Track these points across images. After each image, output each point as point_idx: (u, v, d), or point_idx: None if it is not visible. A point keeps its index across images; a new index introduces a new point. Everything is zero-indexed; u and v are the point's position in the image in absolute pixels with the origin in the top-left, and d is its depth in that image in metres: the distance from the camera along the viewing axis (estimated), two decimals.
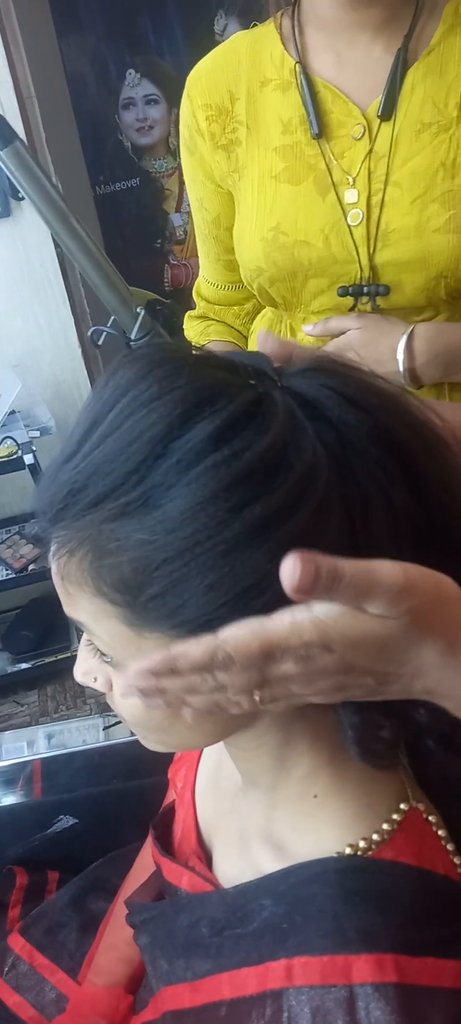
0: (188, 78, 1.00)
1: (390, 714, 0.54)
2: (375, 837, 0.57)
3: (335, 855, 0.57)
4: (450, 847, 0.60)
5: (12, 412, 2.04)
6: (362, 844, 0.57)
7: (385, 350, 0.93)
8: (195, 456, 0.46)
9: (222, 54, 0.99)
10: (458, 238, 0.87)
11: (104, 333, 1.13)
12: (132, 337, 1.01)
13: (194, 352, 0.55)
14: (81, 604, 0.52)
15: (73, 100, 3.15)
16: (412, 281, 0.91)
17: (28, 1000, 0.86)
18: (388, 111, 0.89)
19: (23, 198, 2.24)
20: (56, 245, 2.32)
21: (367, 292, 0.93)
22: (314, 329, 0.97)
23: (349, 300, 0.94)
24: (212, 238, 1.08)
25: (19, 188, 0.92)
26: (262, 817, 0.64)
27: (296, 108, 0.93)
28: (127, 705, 0.55)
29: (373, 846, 0.57)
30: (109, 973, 0.85)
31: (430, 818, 0.60)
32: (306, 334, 1.00)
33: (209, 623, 0.47)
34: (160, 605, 0.48)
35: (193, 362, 0.51)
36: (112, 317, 1.14)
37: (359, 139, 0.91)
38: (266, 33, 0.97)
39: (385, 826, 0.58)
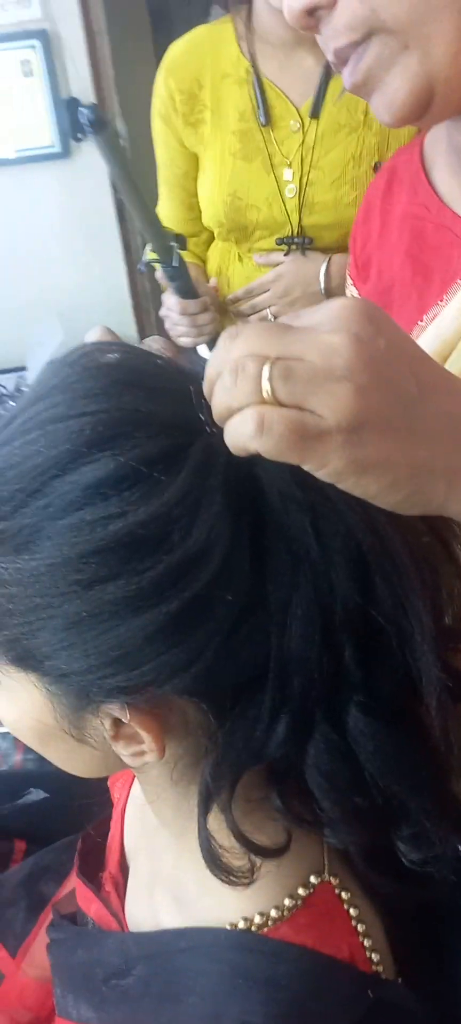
0: (163, 63, 1.30)
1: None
2: (273, 913, 0.54)
3: (228, 926, 0.54)
4: (361, 927, 0.55)
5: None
6: (258, 919, 0.54)
7: (311, 273, 1.30)
8: (64, 507, 0.43)
9: (190, 45, 1.29)
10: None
11: (148, 263, 1.32)
12: (174, 265, 1.19)
13: (157, 361, 0.50)
14: None
15: (153, 35, 3.07)
16: (329, 236, 1.30)
17: None
18: (316, 111, 1.23)
19: (83, 139, 2.20)
20: (114, 192, 2.28)
21: (297, 243, 1.31)
22: (261, 259, 1.34)
23: (284, 248, 1.33)
24: (178, 186, 1.41)
25: (111, 174, 1.03)
26: (170, 861, 0.62)
27: (249, 101, 1.25)
28: (6, 717, 0.54)
29: (269, 922, 0.54)
30: (41, 966, 0.85)
31: (342, 894, 0.56)
32: (256, 263, 1.36)
33: (64, 677, 0.45)
34: (9, 650, 0.47)
35: (128, 380, 0.46)
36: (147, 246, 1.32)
37: (295, 131, 1.25)
38: (224, 32, 1.26)
39: (287, 900, 0.54)
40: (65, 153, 2.21)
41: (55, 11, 2.07)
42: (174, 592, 0.42)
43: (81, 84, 2.16)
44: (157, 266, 1.29)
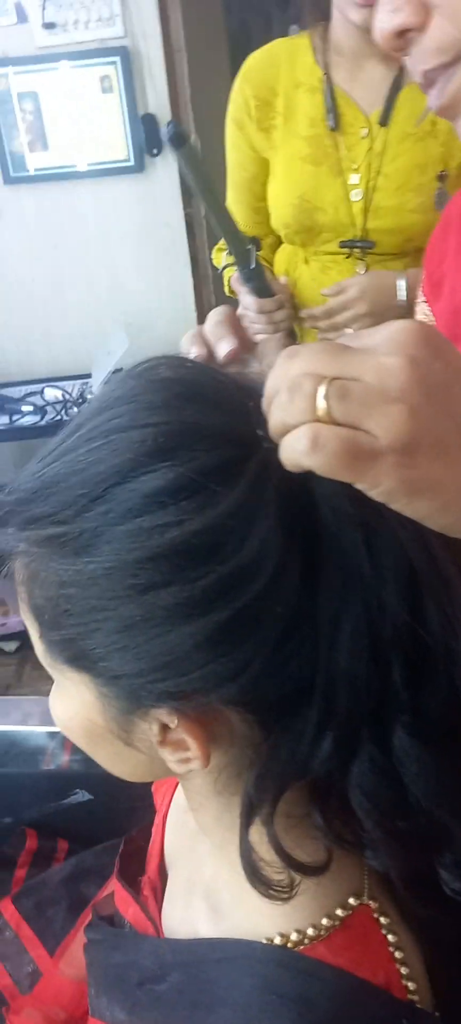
0: (240, 71, 1.37)
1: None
2: (310, 931, 0.53)
3: (264, 941, 0.53)
4: (399, 954, 0.53)
5: (118, 370, 2.07)
6: (294, 936, 0.53)
7: (391, 288, 1.29)
8: (124, 513, 0.44)
9: (267, 56, 1.36)
10: (424, 216, 1.26)
11: (226, 266, 1.41)
12: (252, 267, 1.20)
13: (217, 376, 0.51)
14: (22, 608, 0.51)
15: (230, 55, 3.11)
16: (390, 241, 1.33)
17: (6, 968, 0.88)
18: (384, 120, 1.27)
19: (157, 154, 2.24)
20: (185, 206, 2.31)
21: (360, 245, 1.34)
22: (328, 291, 1.34)
23: (346, 251, 1.35)
24: (247, 190, 1.44)
25: (191, 185, 1.05)
26: (209, 870, 0.61)
27: (320, 108, 1.30)
28: (59, 715, 0.55)
29: (306, 940, 0.53)
30: (79, 967, 0.85)
31: (381, 919, 0.54)
32: (323, 295, 1.37)
33: (116, 680, 0.46)
34: (65, 649, 0.48)
35: (190, 394, 0.47)
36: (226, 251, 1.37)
37: (364, 138, 1.29)
38: (302, 44, 1.33)
39: (325, 920, 0.53)
40: (139, 168, 2.25)
41: (137, 29, 2.12)
42: (224, 602, 0.43)
43: (158, 101, 2.20)
44: (232, 270, 1.35)
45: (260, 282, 1.24)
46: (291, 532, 0.44)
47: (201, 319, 2.44)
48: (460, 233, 0.75)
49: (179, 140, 0.95)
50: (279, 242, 1.50)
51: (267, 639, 0.44)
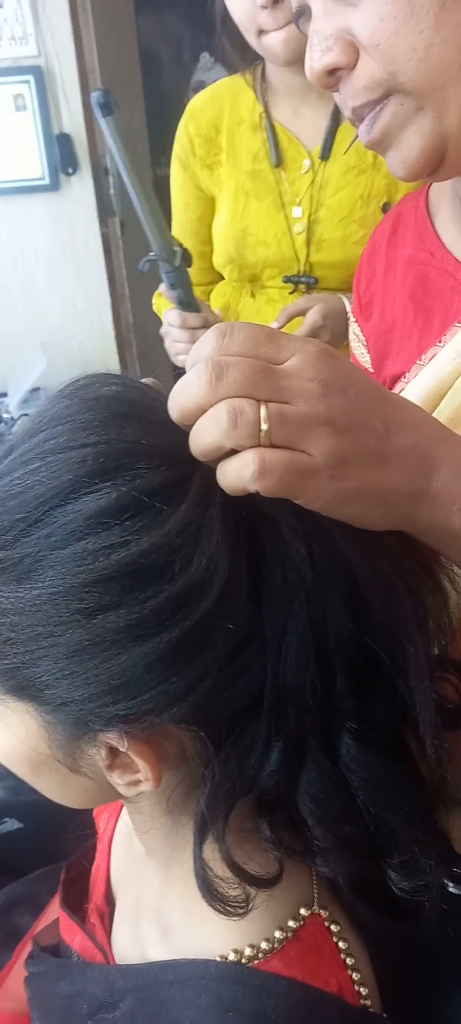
0: (185, 112, 1.39)
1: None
2: (264, 945, 0.54)
3: (217, 959, 0.54)
4: (350, 961, 0.55)
5: (35, 389, 2.04)
6: (248, 951, 0.53)
7: (343, 313, 1.26)
8: (66, 536, 0.43)
9: (211, 95, 1.38)
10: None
11: (148, 263, 1.29)
12: (176, 264, 1.18)
13: (153, 394, 0.50)
14: None
15: (143, 77, 3.13)
16: (336, 276, 1.32)
17: None
18: (326, 154, 1.28)
19: (73, 173, 2.23)
20: (101, 226, 2.31)
21: (303, 281, 1.34)
22: (277, 323, 1.27)
23: (290, 286, 1.36)
24: (193, 233, 1.44)
25: (116, 159, 1.02)
26: (157, 892, 0.61)
27: (262, 144, 1.32)
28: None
29: (260, 954, 0.53)
30: (17, 1000, 0.83)
31: (332, 927, 0.56)
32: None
33: (63, 706, 0.45)
34: (8, 678, 0.46)
35: (127, 412, 0.47)
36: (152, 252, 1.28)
37: (306, 172, 1.30)
38: (242, 84, 1.34)
39: (278, 933, 0.54)
40: (54, 186, 2.23)
41: (50, 49, 2.10)
42: (175, 621, 0.43)
43: (73, 120, 2.19)
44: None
45: (185, 291, 1.21)
46: (236, 548, 0.45)
47: (118, 338, 2.45)
48: (387, 256, 0.79)
49: (108, 108, 0.95)
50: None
51: (218, 656, 0.44)
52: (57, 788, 0.53)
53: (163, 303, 1.48)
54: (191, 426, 0.44)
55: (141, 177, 1.02)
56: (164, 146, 3.02)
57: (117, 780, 0.49)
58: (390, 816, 0.48)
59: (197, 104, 1.39)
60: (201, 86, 3.20)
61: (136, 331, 2.52)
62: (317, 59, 0.57)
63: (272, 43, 1.14)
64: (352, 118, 0.60)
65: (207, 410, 0.42)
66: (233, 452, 0.42)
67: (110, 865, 0.73)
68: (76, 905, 0.71)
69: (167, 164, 1.50)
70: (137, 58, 3.13)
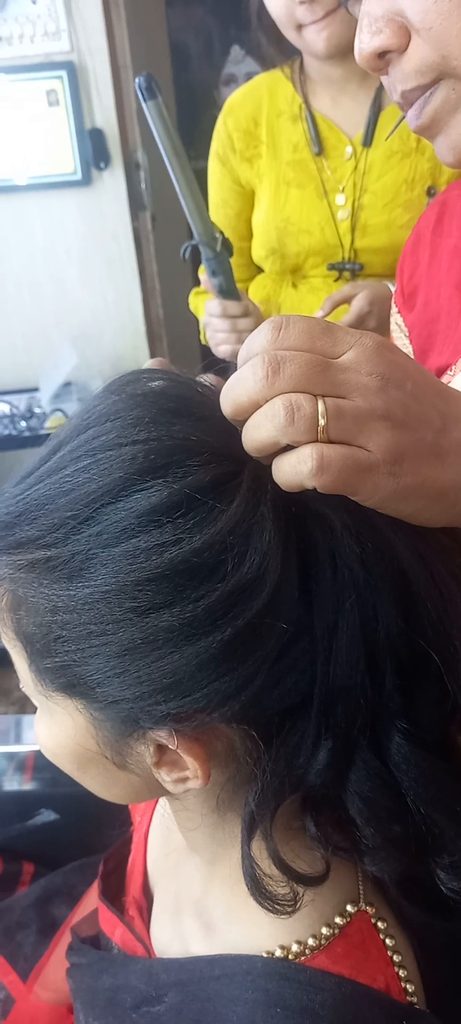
0: (223, 109, 1.39)
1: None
2: (311, 942, 0.53)
3: (264, 954, 0.53)
4: (397, 958, 0.54)
5: (67, 384, 2.05)
6: (295, 948, 0.53)
7: (388, 299, 1.18)
8: (118, 534, 0.43)
9: (248, 91, 1.38)
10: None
11: (189, 247, 1.28)
12: (217, 250, 1.16)
13: (200, 389, 0.50)
14: (5, 634, 0.50)
15: (173, 71, 3.13)
16: (381, 261, 1.32)
17: None
18: (368, 140, 1.27)
19: (104, 168, 2.24)
20: (132, 220, 2.31)
21: (349, 267, 1.33)
22: (323, 311, 1.27)
23: (335, 273, 1.35)
24: (230, 229, 1.40)
25: (159, 143, 1.01)
26: (199, 887, 0.61)
27: (302, 134, 1.32)
28: (45, 743, 0.53)
29: (307, 951, 0.53)
30: (55, 990, 0.84)
31: (379, 923, 0.55)
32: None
33: (114, 704, 0.45)
34: (58, 676, 0.46)
35: (176, 408, 0.47)
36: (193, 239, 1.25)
37: (348, 159, 1.30)
38: (280, 76, 1.35)
39: (324, 930, 0.54)
40: (86, 181, 2.24)
41: (83, 44, 2.11)
42: (228, 620, 0.42)
43: (105, 115, 2.20)
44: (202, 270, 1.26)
45: (226, 279, 1.19)
46: (287, 545, 0.44)
47: (149, 332, 2.46)
48: (432, 246, 0.77)
49: (151, 92, 0.95)
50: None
51: (268, 655, 0.44)
52: (103, 784, 0.53)
53: (200, 303, 1.47)
54: (241, 422, 0.43)
55: (183, 162, 1.01)
56: (194, 139, 3.05)
57: (165, 777, 0.49)
58: (440, 816, 0.47)
59: (235, 100, 1.39)
60: (231, 79, 3.20)
61: (166, 325, 2.53)
62: (367, 41, 0.55)
63: (311, 36, 1.15)
64: (401, 102, 0.58)
65: (262, 405, 0.41)
66: (287, 448, 0.41)
67: (147, 858, 0.73)
68: (114, 897, 0.71)
69: (196, 157, 1.50)
70: (168, 52, 3.13)
